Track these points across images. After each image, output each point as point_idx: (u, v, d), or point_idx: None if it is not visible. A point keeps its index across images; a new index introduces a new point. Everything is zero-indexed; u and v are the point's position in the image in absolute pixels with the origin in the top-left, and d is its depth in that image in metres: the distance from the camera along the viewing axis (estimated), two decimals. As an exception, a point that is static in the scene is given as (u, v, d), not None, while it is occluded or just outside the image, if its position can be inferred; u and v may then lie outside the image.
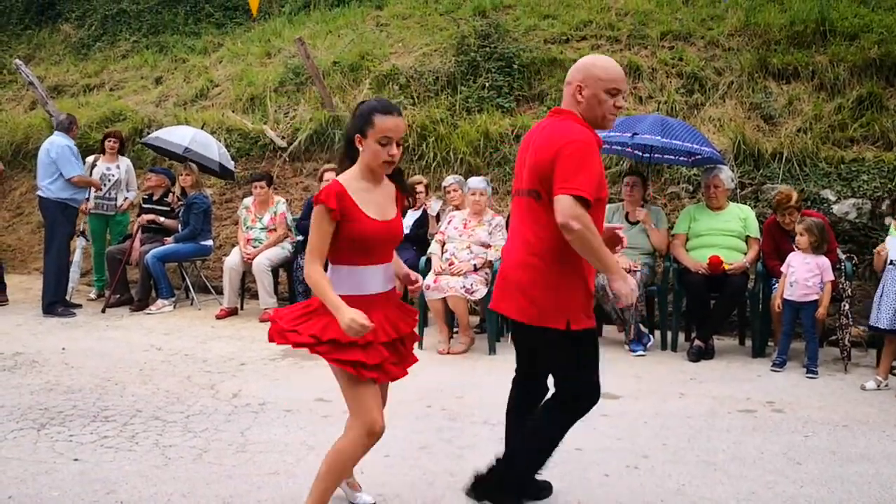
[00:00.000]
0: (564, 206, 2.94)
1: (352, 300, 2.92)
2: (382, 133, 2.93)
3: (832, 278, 5.89)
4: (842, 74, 8.66)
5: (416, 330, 3.27)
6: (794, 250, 6.15)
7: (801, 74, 8.94)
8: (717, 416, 4.86)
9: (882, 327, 5.52)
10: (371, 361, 2.94)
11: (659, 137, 6.36)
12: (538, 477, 3.50)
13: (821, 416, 4.88)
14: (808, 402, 5.18)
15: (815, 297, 5.85)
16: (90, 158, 8.69)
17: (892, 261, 5.56)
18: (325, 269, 3.01)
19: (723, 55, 9.51)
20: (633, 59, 9.61)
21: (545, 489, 3.61)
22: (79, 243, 8.63)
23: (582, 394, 3.29)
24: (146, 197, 8.70)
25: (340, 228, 2.96)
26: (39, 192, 7.90)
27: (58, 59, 14.39)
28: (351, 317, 2.78)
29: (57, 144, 7.80)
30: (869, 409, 5.02)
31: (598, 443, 4.33)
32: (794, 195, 6.41)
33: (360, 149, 3.01)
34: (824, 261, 5.89)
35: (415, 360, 3.26)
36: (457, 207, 7.11)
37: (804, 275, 5.87)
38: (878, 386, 5.48)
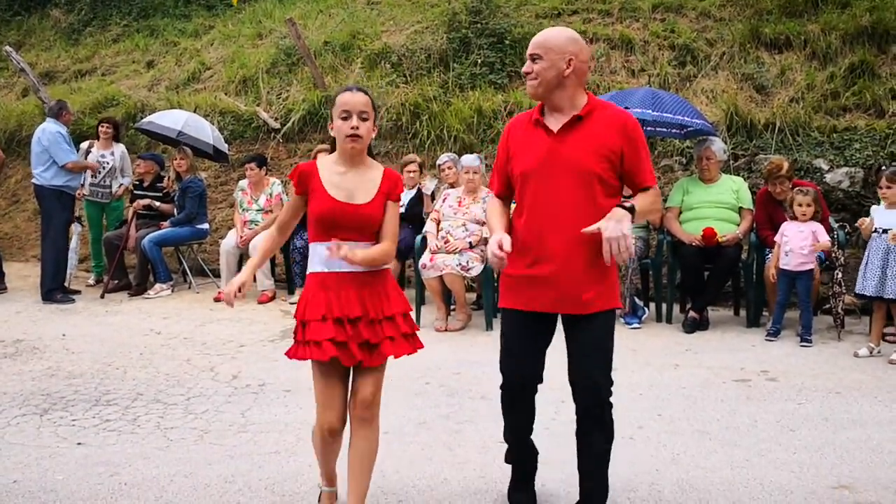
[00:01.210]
0: None
1: (322, 276, 3.00)
2: (341, 108, 2.99)
3: (827, 238, 5.91)
4: (834, 43, 8.66)
5: (400, 322, 3.07)
6: (786, 220, 6.19)
7: (793, 44, 8.94)
8: (711, 386, 4.92)
9: (868, 294, 5.59)
10: (310, 337, 2.92)
11: (650, 111, 6.37)
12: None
13: (814, 383, 4.94)
14: (802, 370, 5.24)
15: (811, 266, 5.89)
16: (84, 145, 8.67)
17: (877, 229, 5.61)
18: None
19: (714, 26, 9.49)
20: (625, 32, 9.59)
21: None
22: (75, 229, 8.63)
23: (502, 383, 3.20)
24: (137, 183, 8.67)
25: (310, 204, 3.04)
26: (34, 180, 7.89)
27: (48, 45, 14.30)
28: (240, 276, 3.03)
29: (48, 131, 7.78)
30: (861, 376, 5.08)
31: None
32: (786, 164, 6.43)
33: (333, 135, 3.08)
34: (816, 225, 5.92)
35: (384, 355, 3.00)
36: (451, 185, 7.13)
37: (799, 243, 5.90)
38: (871, 353, 5.54)
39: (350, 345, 2.92)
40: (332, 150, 3.15)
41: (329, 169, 3.06)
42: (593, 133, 3.00)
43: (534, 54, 3.01)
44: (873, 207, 5.84)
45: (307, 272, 3.10)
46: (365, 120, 3.00)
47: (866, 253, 5.70)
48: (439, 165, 7.31)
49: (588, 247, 2.94)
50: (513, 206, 3.21)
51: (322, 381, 2.98)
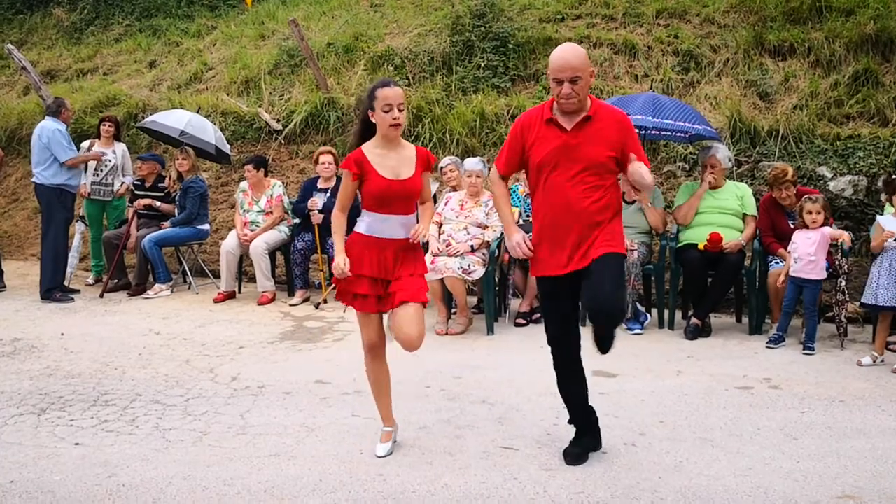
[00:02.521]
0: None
1: (365, 238, 3.79)
2: (384, 101, 3.67)
3: (833, 231, 5.90)
4: (838, 51, 8.65)
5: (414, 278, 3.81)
6: (790, 227, 6.16)
7: (797, 51, 8.92)
8: (714, 393, 4.88)
9: (879, 304, 5.52)
10: (355, 290, 3.78)
11: (650, 118, 6.35)
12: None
13: (817, 391, 4.91)
14: (805, 378, 5.21)
15: (819, 276, 5.85)
16: (85, 143, 8.63)
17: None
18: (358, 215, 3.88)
19: (718, 32, 9.48)
20: (629, 38, 9.58)
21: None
22: (77, 228, 8.60)
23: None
24: (138, 183, 8.62)
25: (364, 185, 3.77)
26: (34, 179, 7.86)
27: (50, 44, 14.29)
28: (339, 259, 3.73)
29: (48, 129, 7.75)
30: (865, 385, 5.05)
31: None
32: (790, 170, 6.40)
33: (374, 121, 3.74)
34: (824, 228, 5.87)
35: (395, 301, 3.74)
36: (454, 189, 7.10)
37: (807, 249, 5.85)
38: (874, 361, 5.50)
39: (376, 296, 3.78)
40: (363, 138, 3.83)
41: (374, 153, 3.77)
42: (600, 130, 3.65)
43: (574, 77, 3.55)
44: (880, 218, 5.76)
45: (353, 230, 3.84)
46: (402, 110, 3.71)
47: (878, 262, 5.64)
48: (441, 168, 7.28)
49: (591, 216, 3.63)
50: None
51: (362, 315, 3.84)
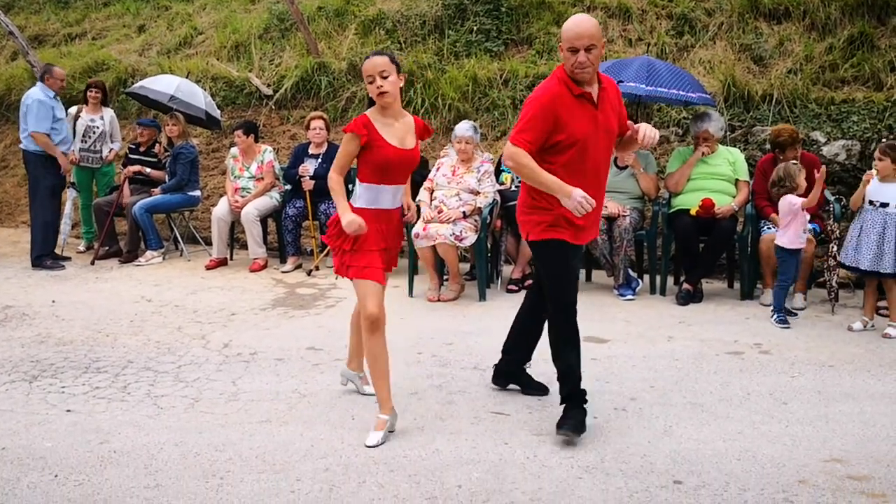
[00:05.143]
0: (505, 150, 3.68)
1: (365, 212, 3.67)
2: (365, 74, 3.67)
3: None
4: (833, 14, 8.56)
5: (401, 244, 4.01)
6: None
7: (792, 14, 8.83)
8: (704, 358, 4.90)
9: (862, 268, 5.51)
10: (360, 264, 3.68)
11: (643, 86, 6.30)
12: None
13: (807, 356, 4.93)
14: (796, 343, 5.23)
15: (799, 246, 5.78)
16: (73, 109, 8.52)
17: (872, 202, 5.52)
18: (352, 185, 3.88)
19: (713, -5, 9.38)
20: (623, 1, 9.46)
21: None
22: (69, 195, 8.53)
23: (554, 308, 3.83)
24: (132, 147, 8.58)
25: (368, 153, 3.67)
26: (21, 145, 7.78)
27: (38, 8, 14.06)
28: (350, 218, 3.58)
29: (30, 97, 7.66)
30: (855, 350, 5.08)
31: (587, 386, 4.31)
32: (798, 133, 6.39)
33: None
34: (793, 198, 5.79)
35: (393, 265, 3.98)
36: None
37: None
38: (865, 326, 5.52)
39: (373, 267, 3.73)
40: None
41: (379, 122, 3.70)
42: (610, 100, 3.75)
43: (590, 46, 3.51)
44: (873, 181, 5.67)
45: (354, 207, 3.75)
46: (386, 77, 3.62)
47: (858, 225, 5.56)
48: (457, 137, 7.20)
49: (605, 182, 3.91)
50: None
51: (370, 285, 3.69)
